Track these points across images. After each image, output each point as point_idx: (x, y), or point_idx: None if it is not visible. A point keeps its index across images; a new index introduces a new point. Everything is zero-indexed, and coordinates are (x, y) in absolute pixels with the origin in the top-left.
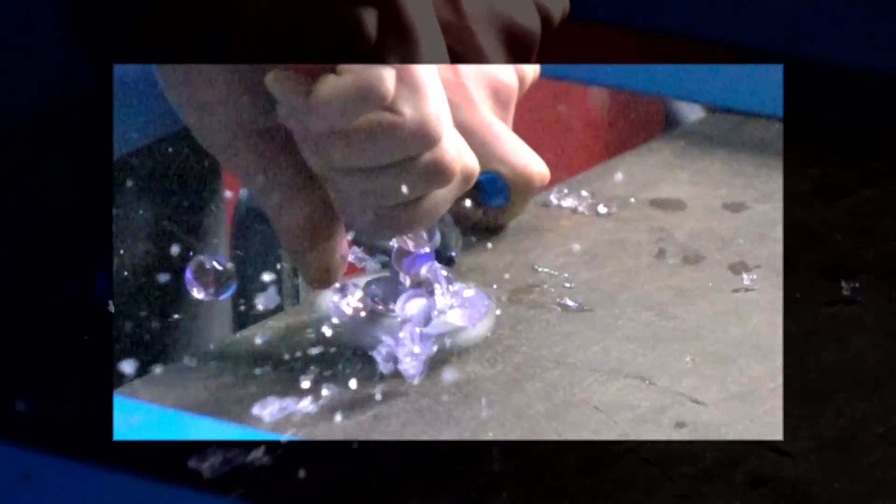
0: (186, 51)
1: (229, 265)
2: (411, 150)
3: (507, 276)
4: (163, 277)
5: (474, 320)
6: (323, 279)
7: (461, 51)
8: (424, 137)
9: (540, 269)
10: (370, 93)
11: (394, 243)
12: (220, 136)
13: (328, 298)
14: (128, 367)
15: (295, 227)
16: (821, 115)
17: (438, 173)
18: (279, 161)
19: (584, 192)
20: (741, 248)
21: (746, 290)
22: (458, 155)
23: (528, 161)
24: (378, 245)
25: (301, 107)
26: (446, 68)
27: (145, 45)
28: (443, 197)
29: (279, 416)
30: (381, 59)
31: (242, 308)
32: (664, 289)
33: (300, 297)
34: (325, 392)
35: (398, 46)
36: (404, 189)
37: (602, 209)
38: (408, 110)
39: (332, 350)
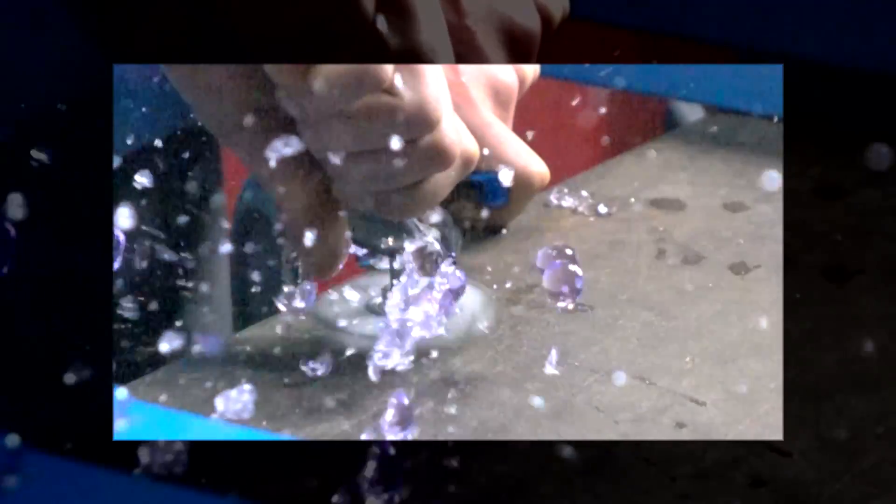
0: (186, 48)
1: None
2: (410, 132)
3: (511, 272)
4: (163, 277)
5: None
6: (324, 267)
7: (461, 51)
8: (423, 120)
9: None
10: (368, 75)
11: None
12: (223, 115)
13: (328, 297)
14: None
15: (296, 212)
16: (821, 115)
17: (438, 156)
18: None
19: (584, 192)
20: (741, 248)
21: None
22: (457, 138)
23: (528, 161)
24: (378, 245)
25: (300, 89)
26: (446, 68)
27: (152, 45)
28: (443, 181)
29: None
30: (380, 37)
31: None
32: (664, 289)
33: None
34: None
35: (397, 22)
36: (404, 172)
37: (602, 209)
38: (407, 93)
39: (331, 350)
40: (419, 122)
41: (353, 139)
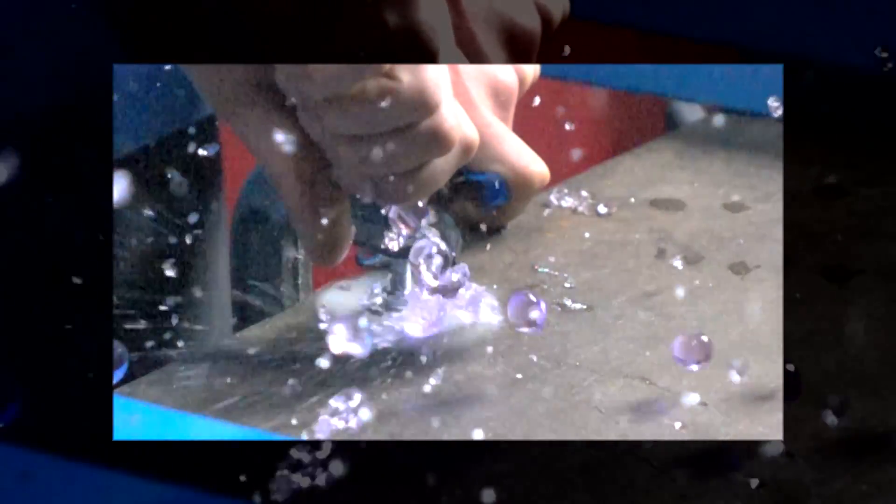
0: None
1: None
2: (409, 117)
3: (509, 273)
4: (163, 278)
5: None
6: (326, 254)
7: (461, 51)
8: (423, 104)
9: (540, 269)
10: None
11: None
12: (225, 90)
13: (328, 297)
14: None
15: (297, 195)
16: (821, 115)
17: (437, 141)
18: (283, 121)
19: (584, 192)
20: (741, 248)
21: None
22: (457, 123)
23: (528, 161)
24: (379, 245)
25: (299, 73)
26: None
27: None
28: (442, 167)
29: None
30: (379, 20)
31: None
32: (664, 289)
33: (300, 296)
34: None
35: (396, 4)
36: (403, 157)
37: (602, 209)
38: (406, 77)
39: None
40: (418, 107)
41: (352, 123)
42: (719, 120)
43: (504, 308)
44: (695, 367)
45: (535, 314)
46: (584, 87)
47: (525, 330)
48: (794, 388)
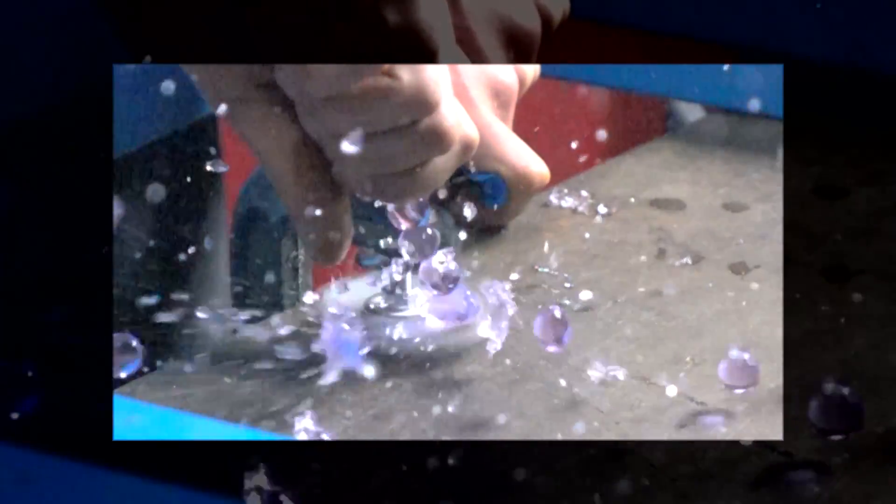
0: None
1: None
2: (409, 115)
3: (512, 275)
4: (163, 278)
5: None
6: (326, 253)
7: (461, 50)
8: (422, 102)
9: (540, 269)
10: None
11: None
12: (225, 90)
13: (329, 296)
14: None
15: (297, 194)
16: (821, 115)
17: (437, 139)
18: (283, 120)
19: (584, 192)
20: (741, 248)
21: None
22: (457, 122)
23: (528, 161)
24: (379, 245)
25: (299, 72)
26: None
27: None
28: (441, 165)
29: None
30: (379, 19)
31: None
32: (664, 289)
33: (300, 296)
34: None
35: (396, 3)
36: (403, 155)
37: (602, 209)
38: (406, 75)
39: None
40: (418, 105)
41: (352, 122)
42: (719, 120)
43: (502, 308)
44: (740, 391)
45: (563, 334)
46: (584, 87)
47: (552, 348)
48: (858, 419)
